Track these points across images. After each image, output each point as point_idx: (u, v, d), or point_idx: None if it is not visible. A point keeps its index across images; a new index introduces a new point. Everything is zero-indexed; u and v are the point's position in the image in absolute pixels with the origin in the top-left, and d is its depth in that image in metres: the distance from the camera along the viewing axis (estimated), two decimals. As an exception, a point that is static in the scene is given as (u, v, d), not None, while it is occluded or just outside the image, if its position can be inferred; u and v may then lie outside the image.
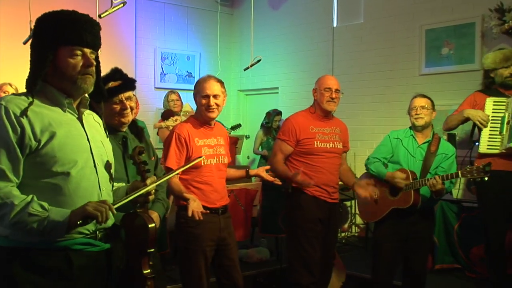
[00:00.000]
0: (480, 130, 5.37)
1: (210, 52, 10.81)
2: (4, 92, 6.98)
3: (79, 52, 2.58)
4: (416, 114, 5.00)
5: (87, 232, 2.60)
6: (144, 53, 10.09)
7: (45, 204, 2.42)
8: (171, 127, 7.44)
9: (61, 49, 2.56)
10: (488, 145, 5.29)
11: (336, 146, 5.00)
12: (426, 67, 8.08)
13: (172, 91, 8.44)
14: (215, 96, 4.29)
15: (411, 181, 4.86)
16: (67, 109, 2.62)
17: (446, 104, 7.73)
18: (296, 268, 4.89)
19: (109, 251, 2.71)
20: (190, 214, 3.88)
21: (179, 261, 4.51)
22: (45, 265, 2.48)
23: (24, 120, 2.43)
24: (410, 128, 5.15)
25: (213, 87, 4.31)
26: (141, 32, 9.97)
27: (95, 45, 2.68)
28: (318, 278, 4.96)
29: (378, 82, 8.50)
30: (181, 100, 8.35)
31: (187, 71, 10.55)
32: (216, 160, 4.41)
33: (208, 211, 4.13)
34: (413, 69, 8.21)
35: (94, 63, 2.63)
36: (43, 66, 2.54)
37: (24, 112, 2.43)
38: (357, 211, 5.58)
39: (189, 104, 8.53)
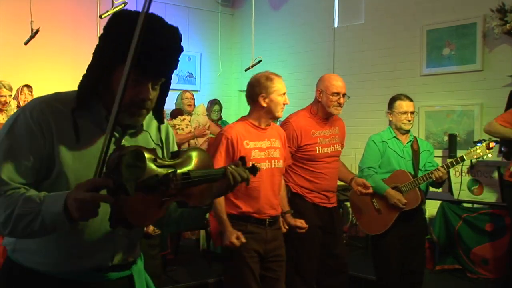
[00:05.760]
0: None
1: (211, 52, 10.82)
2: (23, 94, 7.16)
3: None
4: (408, 121, 5.01)
5: None
6: (145, 54, 10.05)
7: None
8: (177, 126, 7.43)
9: None
10: None
11: (336, 149, 4.85)
12: (427, 68, 8.09)
13: (187, 90, 8.28)
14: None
15: (412, 180, 4.90)
16: None
17: (448, 105, 7.78)
18: (290, 276, 4.63)
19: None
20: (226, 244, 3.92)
21: (224, 270, 4.37)
22: None
23: None
24: (390, 129, 5.14)
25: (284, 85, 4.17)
26: (142, 32, 9.92)
27: None
28: (330, 286, 4.88)
29: (379, 83, 8.52)
30: (194, 99, 8.21)
31: (188, 72, 10.57)
32: (269, 165, 4.10)
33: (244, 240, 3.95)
34: (414, 69, 8.23)
35: None
36: None
37: None
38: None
39: (203, 104, 8.49)
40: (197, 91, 10.25)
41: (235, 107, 11.00)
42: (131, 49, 1.75)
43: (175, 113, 7.78)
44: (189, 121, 7.54)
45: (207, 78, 10.87)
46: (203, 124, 7.58)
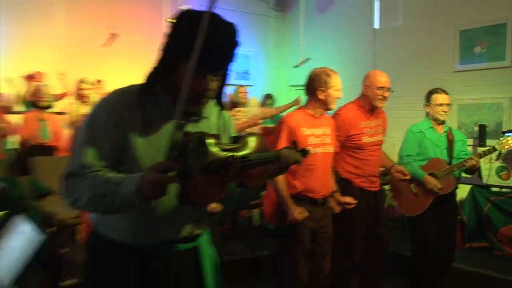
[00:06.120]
0: None
1: (264, 51, 10.89)
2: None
3: None
4: (444, 112, 4.95)
5: None
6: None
7: None
8: (233, 117, 7.51)
9: None
10: None
11: (379, 139, 4.82)
12: (460, 65, 8.00)
13: (241, 85, 8.45)
14: None
15: (447, 167, 4.87)
16: None
17: (478, 98, 7.71)
18: (337, 253, 4.56)
19: None
20: (290, 219, 3.99)
21: (278, 244, 4.40)
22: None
23: None
24: (427, 120, 5.08)
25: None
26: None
27: None
28: (371, 267, 4.85)
29: (416, 78, 8.46)
30: (248, 93, 8.36)
31: (244, 69, 10.66)
32: (322, 149, 4.15)
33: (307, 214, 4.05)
34: (448, 66, 8.14)
35: None
36: None
37: None
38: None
39: (256, 98, 8.62)
40: (251, 86, 10.34)
41: (285, 101, 11.04)
42: (196, 46, 1.75)
43: (231, 106, 7.90)
44: (244, 112, 7.64)
45: (260, 74, 10.95)
46: (256, 115, 7.68)
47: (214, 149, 1.88)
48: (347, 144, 4.68)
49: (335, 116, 4.69)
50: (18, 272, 3.00)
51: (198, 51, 1.76)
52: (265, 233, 6.58)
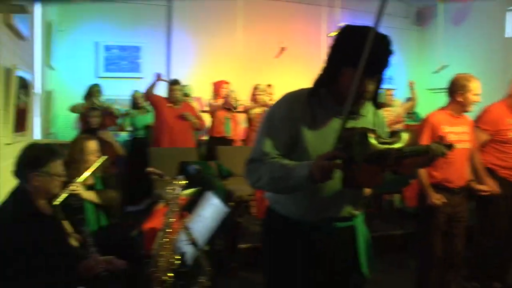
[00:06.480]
0: None
1: (406, 59, 10.53)
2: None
3: None
4: None
5: None
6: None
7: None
8: None
9: None
10: None
11: None
12: None
13: (388, 89, 8.22)
14: None
15: None
16: None
17: None
18: (477, 238, 4.36)
19: None
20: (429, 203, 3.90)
21: (418, 224, 4.29)
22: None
23: None
24: None
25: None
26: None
27: None
28: (509, 253, 4.50)
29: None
30: (393, 95, 8.21)
31: (389, 75, 10.38)
32: (460, 146, 3.85)
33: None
34: None
35: None
36: None
37: None
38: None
39: (399, 100, 8.48)
40: (395, 89, 10.06)
41: (424, 102, 10.59)
42: (363, 57, 1.74)
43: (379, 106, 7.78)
44: (390, 112, 7.56)
45: (403, 79, 10.60)
46: (400, 114, 7.58)
47: (374, 142, 1.86)
48: (494, 139, 4.35)
49: (485, 112, 4.40)
50: (209, 235, 3.17)
51: (364, 60, 1.74)
52: (405, 215, 6.37)
